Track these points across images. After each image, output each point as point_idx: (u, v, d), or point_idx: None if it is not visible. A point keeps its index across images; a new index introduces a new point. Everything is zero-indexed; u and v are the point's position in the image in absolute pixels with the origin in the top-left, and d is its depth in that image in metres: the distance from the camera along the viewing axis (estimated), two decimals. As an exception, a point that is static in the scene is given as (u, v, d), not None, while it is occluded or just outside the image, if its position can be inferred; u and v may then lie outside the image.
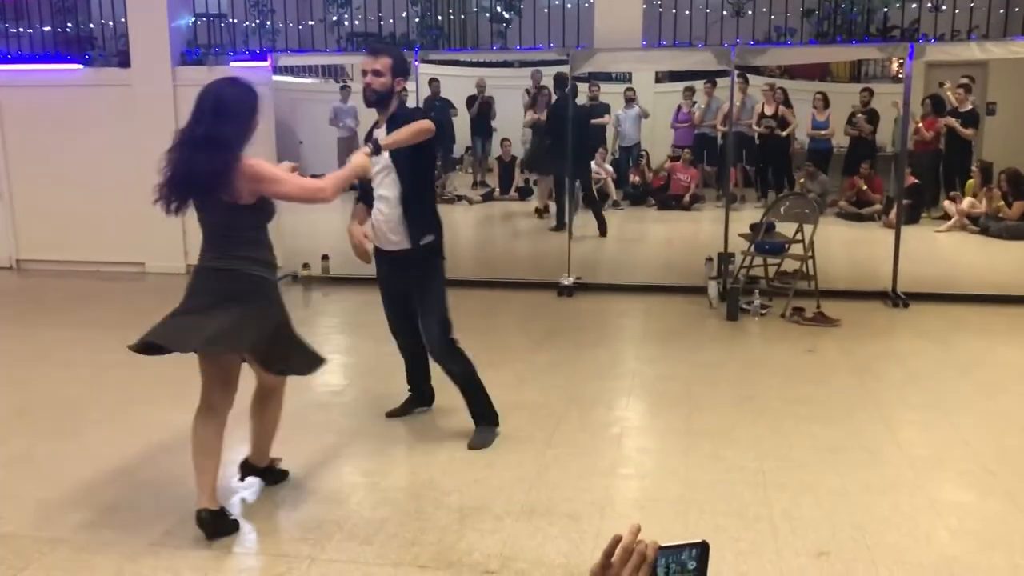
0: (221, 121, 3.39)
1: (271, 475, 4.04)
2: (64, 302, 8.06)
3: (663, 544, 1.39)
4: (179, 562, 3.37)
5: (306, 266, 8.40)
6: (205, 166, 3.35)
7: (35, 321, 7.34)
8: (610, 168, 9.25)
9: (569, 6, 8.59)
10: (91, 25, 9.49)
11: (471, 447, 4.43)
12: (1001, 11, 8.11)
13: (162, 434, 4.64)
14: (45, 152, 9.23)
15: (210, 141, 3.35)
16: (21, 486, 4.05)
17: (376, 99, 4.19)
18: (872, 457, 4.32)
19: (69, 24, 9.47)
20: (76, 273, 9.13)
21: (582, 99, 8.42)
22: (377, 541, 3.51)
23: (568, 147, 7.85)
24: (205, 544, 3.48)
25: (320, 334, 6.87)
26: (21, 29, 9.57)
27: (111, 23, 9.26)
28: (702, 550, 1.35)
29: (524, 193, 9.37)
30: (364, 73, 4.19)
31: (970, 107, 8.02)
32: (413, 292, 4.42)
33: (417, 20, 8.88)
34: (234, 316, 3.43)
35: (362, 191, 4.44)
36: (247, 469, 4.00)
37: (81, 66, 9.14)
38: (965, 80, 7.98)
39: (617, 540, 1.42)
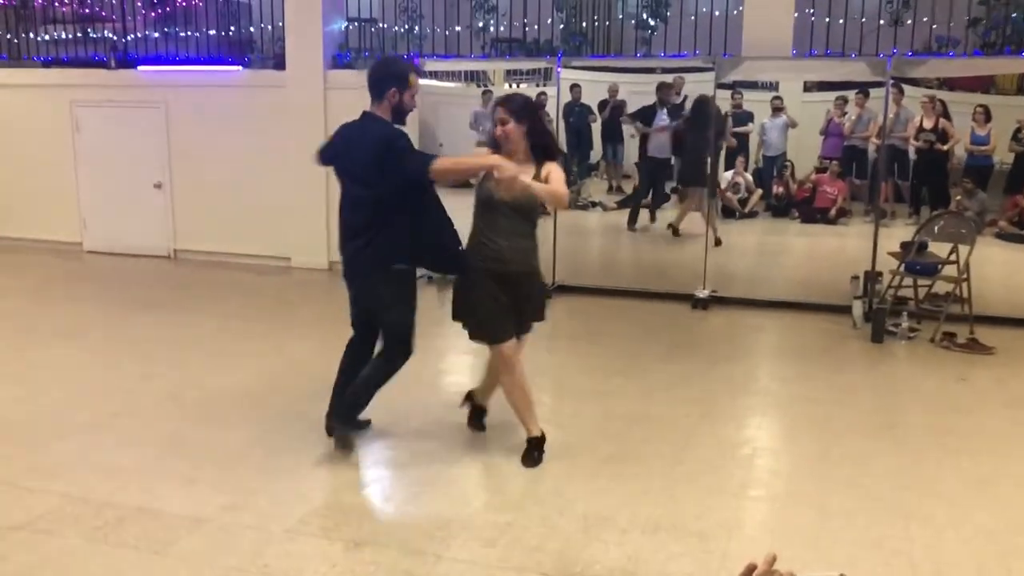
0: None
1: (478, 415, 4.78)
2: (215, 292, 8.50)
3: (798, 575, 1.34)
4: (310, 550, 3.49)
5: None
6: None
7: (188, 308, 7.77)
8: (749, 178, 9.01)
9: (717, 13, 8.41)
10: (251, 29, 9.98)
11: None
12: None
13: (300, 424, 4.82)
14: (204, 148, 9.77)
15: None
16: (172, 466, 4.29)
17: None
18: (1027, 497, 4.04)
19: (232, 28, 9.99)
20: (227, 265, 9.62)
21: (725, 106, 8.24)
22: (501, 544, 3.54)
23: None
24: (334, 534, 3.60)
25: (455, 333, 6.97)
26: (189, 32, 10.16)
27: (270, 27, 9.71)
28: None
29: (660, 200, 9.19)
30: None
31: None
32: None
33: (561, 27, 8.91)
34: None
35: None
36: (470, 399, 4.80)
37: (240, 68, 9.63)
38: None
39: (752, 568, 1.37)
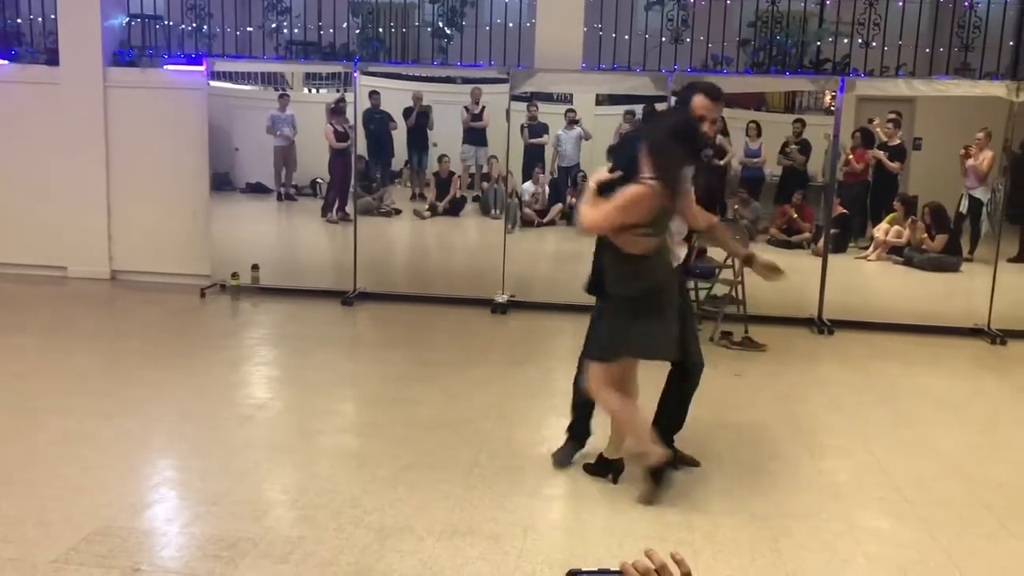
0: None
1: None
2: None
3: (581, 568, 1.37)
4: (83, 580, 3.23)
5: (235, 275, 8.21)
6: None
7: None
8: (547, 189, 9.25)
9: (511, 25, 8.60)
10: (19, 20, 9.20)
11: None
12: (927, 51, 8.37)
13: (74, 445, 4.48)
14: (-35, 149, 8.91)
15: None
16: (-82, 497, 3.85)
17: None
18: (794, 482, 4.37)
19: (-4, 18, 9.17)
20: (-6, 275, 8.82)
21: (521, 119, 8.41)
22: (293, 560, 3.42)
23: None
24: (109, 562, 3.35)
25: (247, 345, 6.72)
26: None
27: (40, 19, 8.99)
28: None
29: (457, 207, 9.27)
30: (706, 120, 4.25)
31: (898, 142, 8.23)
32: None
33: (357, 31, 8.81)
34: None
35: None
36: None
37: (6, 62, 8.85)
38: (893, 115, 8.20)
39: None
